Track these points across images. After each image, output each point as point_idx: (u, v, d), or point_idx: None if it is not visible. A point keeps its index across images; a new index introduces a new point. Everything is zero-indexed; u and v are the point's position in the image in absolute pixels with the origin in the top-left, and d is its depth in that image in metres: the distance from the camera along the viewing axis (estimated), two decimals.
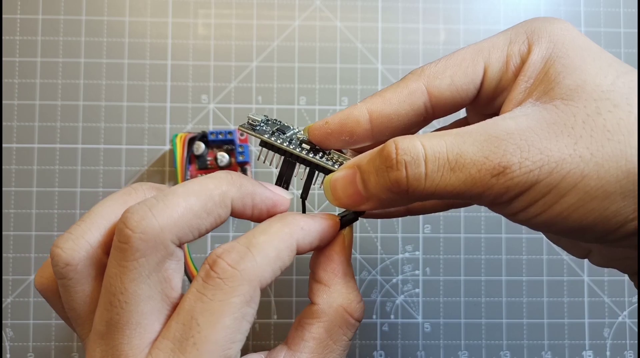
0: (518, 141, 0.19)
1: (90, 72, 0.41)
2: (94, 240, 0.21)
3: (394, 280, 0.40)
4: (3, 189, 0.40)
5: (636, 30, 0.43)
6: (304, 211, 0.27)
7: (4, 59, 0.41)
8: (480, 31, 0.42)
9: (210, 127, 0.41)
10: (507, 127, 0.20)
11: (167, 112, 0.41)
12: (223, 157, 0.39)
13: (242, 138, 0.40)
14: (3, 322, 0.39)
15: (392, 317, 0.40)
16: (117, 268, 0.19)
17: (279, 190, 0.24)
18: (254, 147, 0.41)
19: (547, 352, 0.40)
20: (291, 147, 0.25)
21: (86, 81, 0.41)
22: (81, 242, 0.21)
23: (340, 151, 0.26)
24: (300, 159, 0.26)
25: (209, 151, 0.40)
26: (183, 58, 0.41)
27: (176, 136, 0.38)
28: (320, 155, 0.25)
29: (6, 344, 0.39)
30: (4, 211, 0.40)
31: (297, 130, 0.27)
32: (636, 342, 0.41)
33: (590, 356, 0.41)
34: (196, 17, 0.42)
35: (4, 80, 0.40)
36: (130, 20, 0.41)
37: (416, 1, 0.42)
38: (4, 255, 0.39)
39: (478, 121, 0.26)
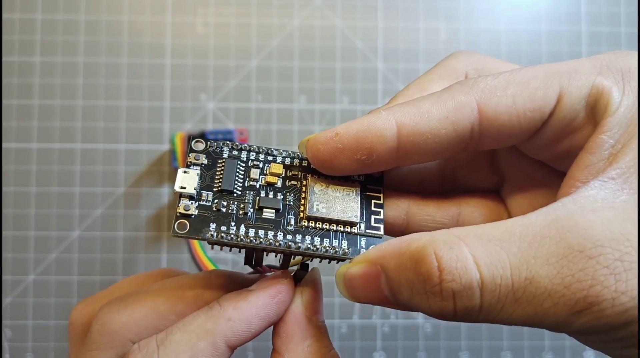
0: (611, 260, 0.14)
1: (89, 71, 0.41)
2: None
3: None
4: (3, 189, 0.40)
5: (636, 30, 0.43)
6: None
7: (3, 59, 0.40)
8: (481, 30, 0.42)
9: (210, 126, 0.41)
10: (593, 232, 0.14)
11: (166, 111, 0.41)
12: None
13: (242, 137, 0.39)
14: (2, 322, 0.39)
15: (392, 317, 0.40)
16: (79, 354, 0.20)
17: (272, 281, 0.19)
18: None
19: (547, 352, 0.40)
20: (259, 240, 0.19)
21: (85, 80, 0.41)
22: (89, 308, 0.21)
23: (346, 179, 0.20)
24: (277, 251, 0.19)
25: None
26: (182, 57, 0.41)
27: (175, 135, 0.38)
28: (299, 230, 0.19)
29: (5, 344, 0.39)
30: (3, 211, 0.39)
31: (260, 158, 0.20)
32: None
33: (591, 356, 0.40)
34: (195, 16, 0.41)
35: (3, 80, 0.40)
36: (129, 20, 0.41)
37: (416, 0, 0.42)
38: (3, 255, 0.39)
39: (513, 166, 0.21)
